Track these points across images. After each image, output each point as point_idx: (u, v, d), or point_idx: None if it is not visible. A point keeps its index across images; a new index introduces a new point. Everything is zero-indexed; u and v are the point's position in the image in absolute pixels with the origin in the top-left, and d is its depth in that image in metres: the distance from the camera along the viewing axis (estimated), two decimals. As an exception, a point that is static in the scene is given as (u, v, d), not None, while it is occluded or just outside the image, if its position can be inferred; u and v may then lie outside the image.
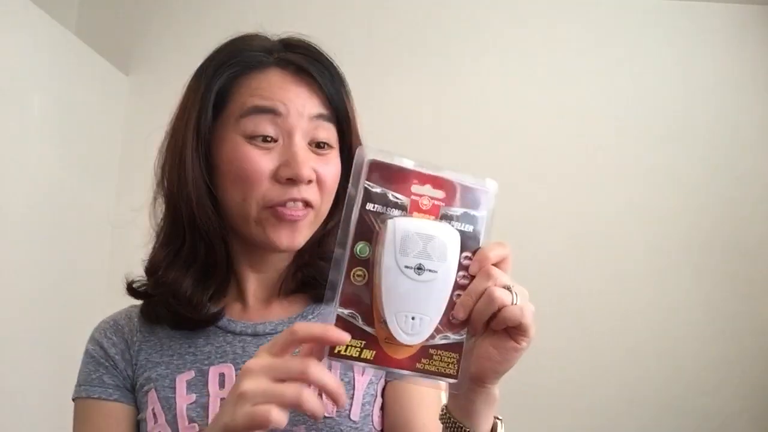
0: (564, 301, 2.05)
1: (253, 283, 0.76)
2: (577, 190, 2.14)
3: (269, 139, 0.69)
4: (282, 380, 0.48)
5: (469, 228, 0.52)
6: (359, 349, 0.50)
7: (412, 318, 0.50)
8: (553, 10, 2.26)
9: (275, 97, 0.70)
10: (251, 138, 0.69)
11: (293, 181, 0.69)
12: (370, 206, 0.50)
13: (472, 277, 0.52)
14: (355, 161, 0.50)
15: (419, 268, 0.50)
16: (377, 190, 0.50)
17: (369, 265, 0.50)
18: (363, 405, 0.70)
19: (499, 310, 0.50)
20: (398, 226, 0.50)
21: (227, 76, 0.72)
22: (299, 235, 0.71)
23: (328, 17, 2.23)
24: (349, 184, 0.50)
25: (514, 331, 0.51)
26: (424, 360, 0.52)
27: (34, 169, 1.74)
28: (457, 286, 0.52)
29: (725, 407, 2.01)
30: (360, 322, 0.50)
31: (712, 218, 2.12)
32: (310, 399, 0.48)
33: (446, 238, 0.51)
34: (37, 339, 1.72)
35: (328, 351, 0.50)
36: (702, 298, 2.08)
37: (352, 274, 0.50)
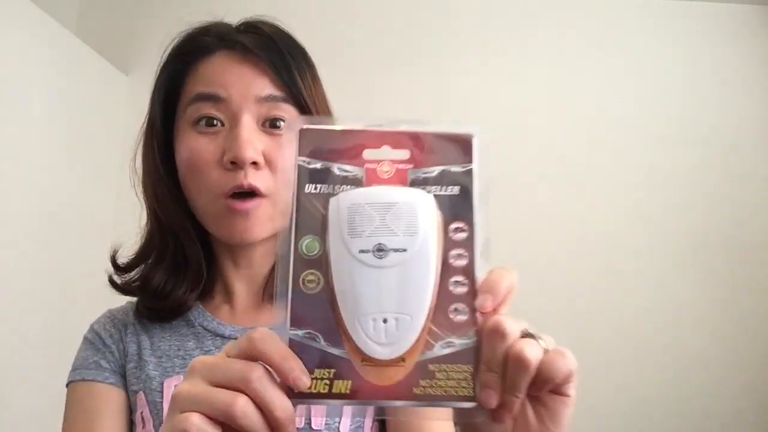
0: (564, 301, 2.05)
1: (240, 283, 0.74)
2: (578, 190, 2.14)
3: (214, 123, 0.66)
4: (221, 385, 0.37)
5: (452, 190, 0.39)
6: (328, 382, 0.37)
7: (384, 321, 0.37)
8: (553, 11, 2.26)
9: (216, 82, 0.67)
10: (195, 124, 0.67)
11: (237, 164, 0.64)
12: (310, 188, 0.39)
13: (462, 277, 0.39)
14: (283, 136, 0.42)
15: (379, 250, 0.37)
16: (316, 165, 0.39)
17: (322, 265, 0.38)
18: (353, 417, 0.67)
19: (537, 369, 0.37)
20: (342, 200, 0.38)
21: (179, 66, 0.71)
22: (255, 227, 0.66)
23: (329, 17, 2.23)
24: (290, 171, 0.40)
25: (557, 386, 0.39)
26: (423, 381, 0.37)
27: (34, 169, 1.74)
28: (451, 270, 0.39)
29: (726, 408, 2.01)
30: (322, 344, 0.37)
31: (713, 218, 2.12)
32: (246, 413, 0.36)
33: (412, 202, 0.38)
34: (36, 339, 1.72)
35: (286, 389, 0.37)
36: (703, 297, 2.08)
37: (301, 280, 0.38)
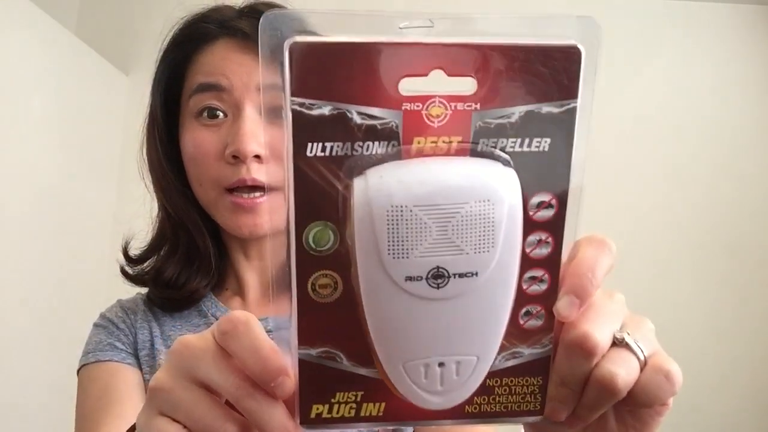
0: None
1: (251, 275, 0.73)
2: (577, 190, 2.14)
3: (217, 114, 0.65)
4: (208, 387, 0.31)
5: (541, 144, 0.26)
6: (354, 406, 0.28)
7: (440, 365, 0.27)
8: (552, 11, 2.26)
9: (217, 71, 0.65)
10: (198, 116, 0.66)
11: (239, 158, 0.62)
12: (314, 149, 0.24)
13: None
14: (261, 44, 0.24)
15: (438, 276, 0.25)
16: (323, 110, 0.24)
17: (339, 261, 0.26)
18: None
19: (631, 389, 0.29)
20: (375, 196, 0.24)
21: (179, 56, 0.69)
22: (263, 221, 0.65)
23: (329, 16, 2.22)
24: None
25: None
26: (479, 398, 0.28)
27: (34, 169, 1.73)
28: (527, 261, 0.27)
29: (726, 408, 2.01)
30: (345, 364, 0.27)
31: (713, 218, 2.12)
32: None
33: (492, 198, 0.25)
34: (37, 338, 1.72)
35: (299, 415, 0.29)
36: (703, 298, 2.08)
37: (310, 285, 0.26)
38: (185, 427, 0.30)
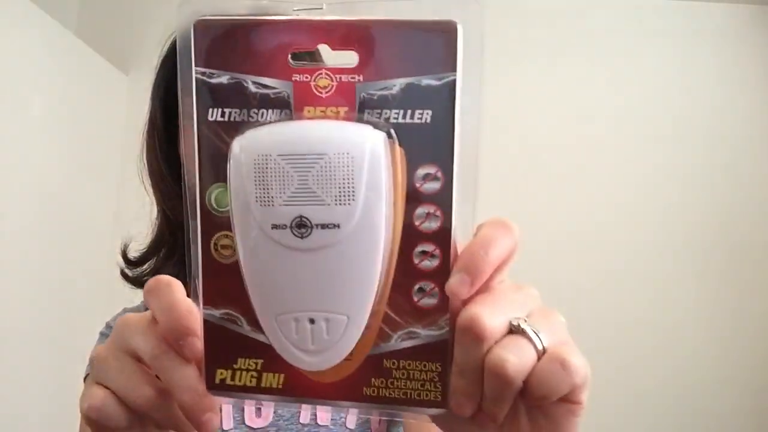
0: (564, 302, 2.04)
1: None
2: (576, 190, 2.14)
3: None
4: (135, 355, 0.31)
5: (422, 116, 0.26)
6: (255, 374, 0.28)
7: (310, 321, 0.27)
8: (552, 11, 2.26)
9: None
10: None
11: None
12: (215, 114, 0.27)
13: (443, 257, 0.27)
14: (177, 35, 0.29)
15: (301, 225, 0.26)
16: (222, 79, 0.27)
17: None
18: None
19: (526, 380, 0.28)
20: (246, 147, 0.26)
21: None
22: None
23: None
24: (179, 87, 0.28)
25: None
26: (376, 381, 0.28)
27: (35, 169, 1.74)
28: (418, 235, 0.28)
29: (726, 408, 2.01)
30: (246, 328, 0.28)
31: (713, 218, 2.12)
32: (152, 405, 0.30)
33: (351, 151, 0.26)
34: (37, 339, 1.72)
35: (205, 379, 0.29)
36: (703, 297, 2.08)
37: (213, 244, 0.28)
38: (113, 393, 0.31)
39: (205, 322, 0.29)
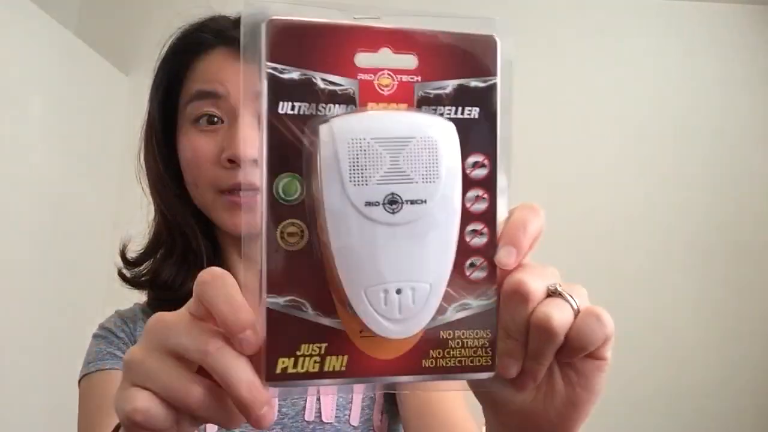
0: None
1: None
2: (577, 190, 2.14)
3: (215, 120, 0.67)
4: (177, 355, 0.31)
5: (471, 112, 0.31)
6: (319, 359, 0.29)
7: (397, 291, 0.29)
8: (554, 11, 2.26)
9: (215, 78, 0.67)
10: (195, 122, 0.68)
11: (235, 163, 0.64)
12: (285, 107, 0.29)
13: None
14: (242, 32, 0.29)
15: (392, 202, 0.29)
16: (293, 75, 0.29)
17: (306, 212, 0.29)
18: (363, 408, 0.68)
19: (567, 334, 0.32)
20: (339, 131, 0.28)
21: (176, 64, 0.71)
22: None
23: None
24: (241, 75, 0.31)
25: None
26: (434, 352, 0.31)
27: (34, 169, 1.74)
28: (468, 216, 0.31)
29: (726, 408, 2.01)
30: (311, 313, 0.29)
31: (714, 219, 2.12)
32: (202, 404, 0.30)
33: (434, 136, 0.30)
34: (36, 339, 1.72)
35: (265, 370, 0.30)
36: (704, 298, 2.08)
37: (279, 232, 0.29)
38: (156, 395, 0.31)
39: (269, 311, 0.29)
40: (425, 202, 0.29)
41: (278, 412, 0.66)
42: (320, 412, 0.66)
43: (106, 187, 2.06)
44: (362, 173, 0.28)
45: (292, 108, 0.29)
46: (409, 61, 0.30)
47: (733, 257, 2.10)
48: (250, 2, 0.29)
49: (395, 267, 0.29)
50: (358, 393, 0.69)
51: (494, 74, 0.32)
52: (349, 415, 0.67)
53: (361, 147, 0.28)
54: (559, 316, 0.31)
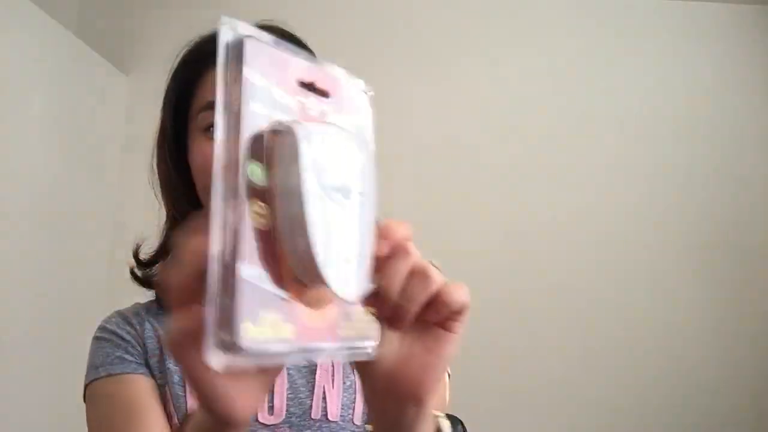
0: (565, 302, 2.05)
1: None
2: (577, 190, 2.14)
3: None
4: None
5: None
6: (275, 326, 0.33)
7: (346, 262, 0.35)
8: (554, 11, 2.26)
9: None
10: (206, 131, 0.71)
11: None
12: (256, 107, 0.33)
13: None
14: (220, 38, 0.34)
15: (347, 190, 0.35)
16: (261, 83, 0.34)
17: (266, 197, 0.33)
18: (365, 407, 0.70)
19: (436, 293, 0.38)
20: (313, 131, 0.34)
21: (188, 75, 0.74)
22: None
23: (329, 18, 2.23)
24: (218, 76, 0.33)
25: (448, 316, 0.39)
26: (344, 323, 0.36)
27: (34, 169, 1.74)
28: None
29: (726, 408, 2.01)
30: (269, 285, 0.33)
31: (713, 219, 2.12)
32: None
33: (366, 149, 0.37)
34: (37, 338, 1.72)
35: (235, 331, 0.32)
36: (703, 298, 2.08)
37: (249, 209, 0.33)
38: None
39: (244, 280, 0.32)
40: (366, 193, 0.36)
41: (286, 411, 0.68)
42: (326, 411, 0.69)
43: (105, 186, 2.06)
44: (329, 165, 0.34)
45: (257, 109, 0.34)
46: (326, 97, 0.38)
47: (732, 257, 2.10)
48: (225, 21, 0.34)
49: (350, 243, 0.35)
50: (360, 393, 0.70)
51: (368, 119, 0.40)
52: (353, 414, 0.70)
53: (329, 144, 0.35)
54: (435, 272, 0.38)
